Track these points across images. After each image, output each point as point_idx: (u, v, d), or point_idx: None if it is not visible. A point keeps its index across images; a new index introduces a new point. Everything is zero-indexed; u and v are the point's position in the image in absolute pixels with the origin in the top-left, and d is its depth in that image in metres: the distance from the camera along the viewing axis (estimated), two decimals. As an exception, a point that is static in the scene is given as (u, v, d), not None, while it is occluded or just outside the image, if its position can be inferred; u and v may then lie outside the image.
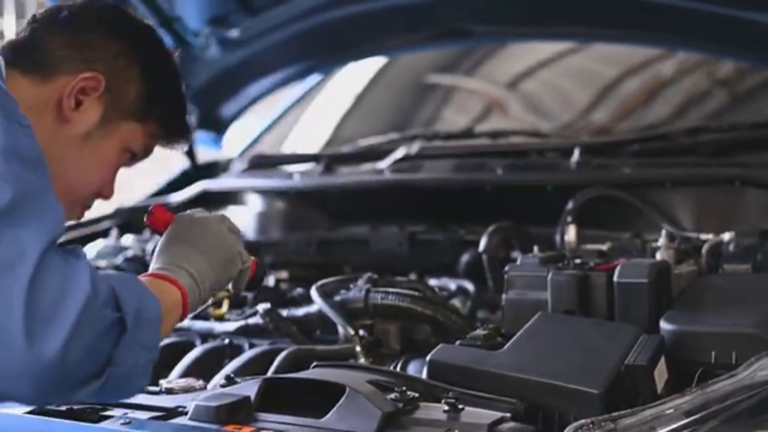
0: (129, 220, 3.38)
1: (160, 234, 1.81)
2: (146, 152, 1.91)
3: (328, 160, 3.39)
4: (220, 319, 2.51)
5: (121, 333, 1.50)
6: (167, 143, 1.93)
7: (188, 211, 1.85)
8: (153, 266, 1.73)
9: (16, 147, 1.55)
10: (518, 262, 2.18)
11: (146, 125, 1.86)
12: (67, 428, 1.67)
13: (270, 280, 2.75)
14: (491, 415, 1.56)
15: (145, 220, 1.85)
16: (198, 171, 3.75)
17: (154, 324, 1.56)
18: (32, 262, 1.45)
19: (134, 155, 1.90)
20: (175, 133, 1.93)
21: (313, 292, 2.29)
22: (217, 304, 2.57)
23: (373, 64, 4.04)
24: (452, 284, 2.69)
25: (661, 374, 1.76)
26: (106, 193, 1.90)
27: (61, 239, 1.58)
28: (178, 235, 1.78)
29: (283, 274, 3.00)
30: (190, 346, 2.37)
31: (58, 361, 1.43)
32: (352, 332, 2.17)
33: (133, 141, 1.86)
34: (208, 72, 3.56)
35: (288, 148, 3.90)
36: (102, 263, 2.91)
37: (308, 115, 4.06)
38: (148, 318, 1.55)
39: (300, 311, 2.33)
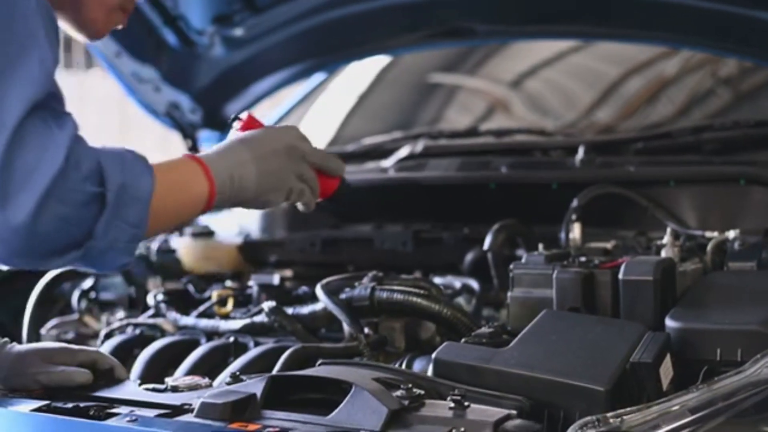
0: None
1: None
2: None
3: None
4: (226, 317, 2.51)
5: (102, 208, 1.54)
6: None
7: (285, 127, 1.90)
8: (208, 150, 1.78)
9: (5, 6, 1.55)
10: (523, 260, 2.17)
11: None
12: (74, 426, 1.67)
13: (275, 279, 2.75)
14: (497, 412, 1.56)
15: (234, 125, 1.89)
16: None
17: (142, 202, 1.58)
18: (10, 129, 1.48)
19: None
20: None
21: (319, 290, 2.29)
22: (222, 303, 2.58)
23: (377, 62, 4.04)
24: (457, 282, 2.69)
25: (666, 371, 1.76)
26: None
27: None
28: (250, 140, 1.82)
29: (288, 273, 3.01)
30: (196, 344, 2.38)
31: (27, 228, 1.47)
32: (357, 330, 2.17)
33: None
34: (212, 71, 3.56)
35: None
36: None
37: (312, 114, 4.06)
38: (134, 195, 1.57)
39: (305, 309, 2.32)
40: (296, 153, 1.86)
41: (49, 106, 1.57)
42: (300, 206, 1.92)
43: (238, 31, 3.41)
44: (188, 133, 3.72)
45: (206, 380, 1.87)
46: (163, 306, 2.60)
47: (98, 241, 1.55)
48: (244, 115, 1.92)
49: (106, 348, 2.43)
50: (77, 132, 1.58)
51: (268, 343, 2.29)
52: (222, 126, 3.82)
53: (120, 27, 1.94)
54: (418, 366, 2.06)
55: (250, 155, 1.79)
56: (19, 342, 2.66)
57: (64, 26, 1.86)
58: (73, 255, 1.55)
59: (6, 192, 1.47)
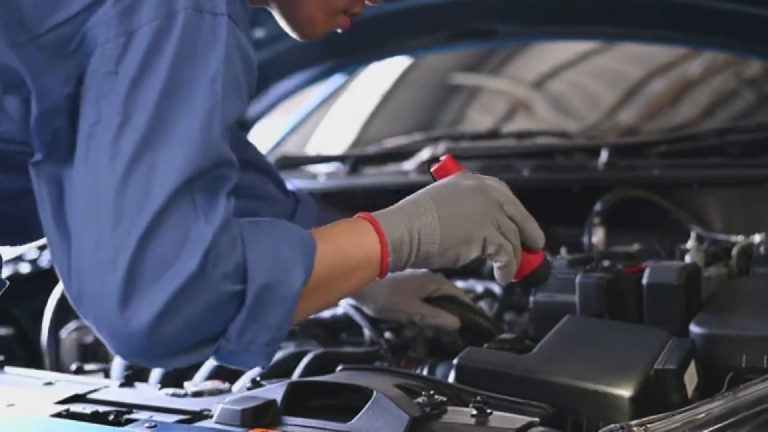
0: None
1: None
2: None
3: (354, 160, 3.38)
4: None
5: (239, 307, 1.38)
6: None
7: (476, 175, 1.71)
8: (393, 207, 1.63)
9: (187, 46, 1.39)
10: (546, 264, 2.16)
11: None
12: (92, 431, 1.67)
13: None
14: (519, 419, 1.55)
15: (431, 168, 1.76)
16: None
17: (287, 301, 1.41)
18: (152, 212, 1.32)
19: None
20: None
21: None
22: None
23: (399, 63, 4.03)
24: (479, 286, 2.67)
25: (691, 378, 1.74)
26: None
27: None
28: (434, 190, 1.66)
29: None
30: (216, 348, 2.36)
31: (148, 331, 1.31)
32: (378, 335, 2.16)
33: None
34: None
35: (313, 149, 3.90)
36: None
37: (333, 116, 4.05)
38: (280, 295, 1.41)
39: (326, 313, 2.31)
40: (491, 197, 1.65)
41: (210, 174, 1.39)
42: (497, 274, 1.67)
43: (258, 32, 3.40)
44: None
45: (226, 385, 1.86)
46: (183, 309, 2.58)
47: (231, 343, 1.40)
48: (443, 157, 1.76)
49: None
50: (228, 217, 1.39)
51: (289, 348, 2.28)
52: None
53: (340, 31, 1.80)
54: (440, 371, 2.04)
55: (432, 202, 1.61)
56: (38, 344, 2.69)
57: (278, 20, 1.79)
58: (206, 352, 1.40)
59: (132, 289, 1.31)
